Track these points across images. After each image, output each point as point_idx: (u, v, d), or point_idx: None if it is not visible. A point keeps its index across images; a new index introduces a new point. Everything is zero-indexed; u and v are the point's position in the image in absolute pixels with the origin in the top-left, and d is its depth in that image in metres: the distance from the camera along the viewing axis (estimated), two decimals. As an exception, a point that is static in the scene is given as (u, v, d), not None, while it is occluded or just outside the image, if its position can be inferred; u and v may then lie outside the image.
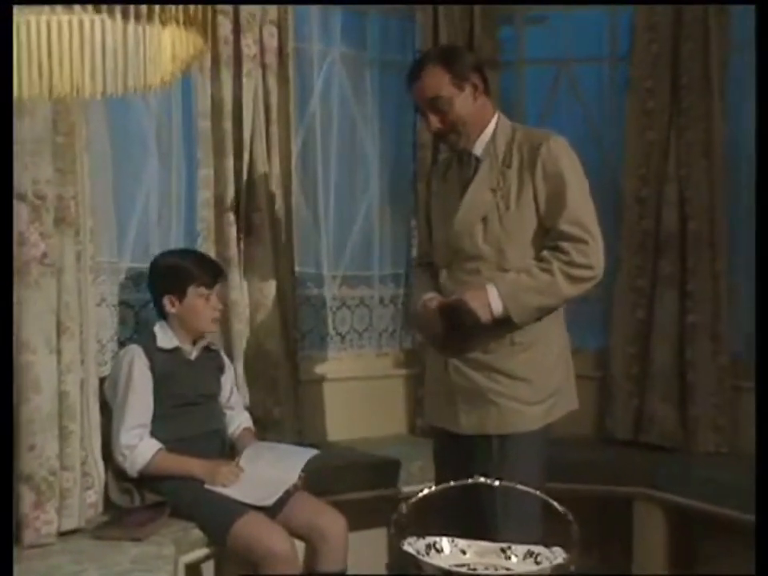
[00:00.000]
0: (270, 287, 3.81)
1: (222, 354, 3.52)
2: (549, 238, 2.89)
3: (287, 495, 3.16)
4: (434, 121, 2.94)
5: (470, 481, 1.98)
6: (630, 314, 4.22)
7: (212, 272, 3.33)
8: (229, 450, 3.39)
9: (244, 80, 3.72)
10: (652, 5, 4.14)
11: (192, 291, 3.25)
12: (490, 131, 2.97)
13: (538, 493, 1.96)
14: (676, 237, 4.11)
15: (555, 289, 2.84)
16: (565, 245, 2.83)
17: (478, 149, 2.97)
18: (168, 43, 1.93)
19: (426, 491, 1.91)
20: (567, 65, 4.52)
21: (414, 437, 4.29)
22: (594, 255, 2.85)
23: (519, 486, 2.01)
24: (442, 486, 1.96)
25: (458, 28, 4.21)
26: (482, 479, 1.99)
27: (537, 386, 2.91)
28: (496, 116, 3.00)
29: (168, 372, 3.21)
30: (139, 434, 3.13)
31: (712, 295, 4.06)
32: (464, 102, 2.92)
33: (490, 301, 2.83)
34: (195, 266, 3.28)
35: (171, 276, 3.28)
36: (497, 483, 2.00)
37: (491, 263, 2.91)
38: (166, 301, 3.26)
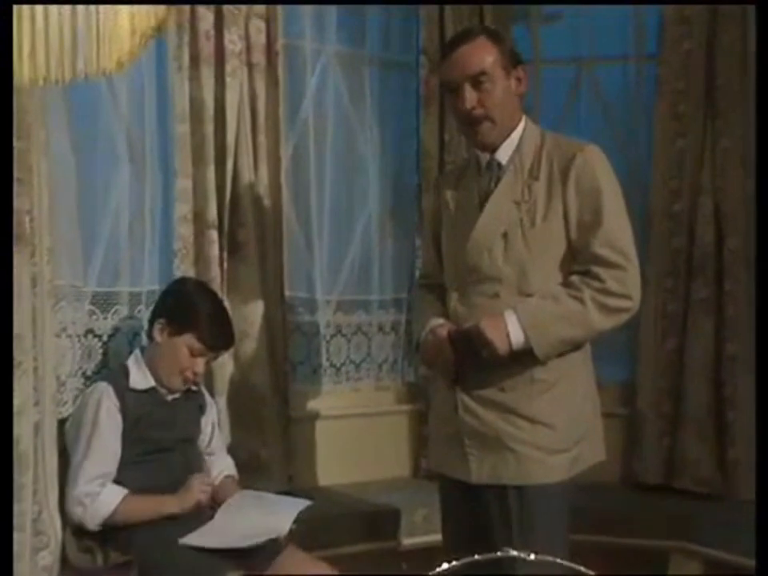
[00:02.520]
0: (257, 313, 3.70)
1: (204, 391, 3.31)
2: (579, 261, 2.71)
3: (275, 551, 2.96)
4: (472, 98, 2.71)
5: (498, 554, 1.89)
6: (659, 343, 4.11)
7: (219, 339, 3.14)
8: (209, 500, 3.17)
9: (228, 79, 3.62)
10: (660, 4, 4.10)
11: (187, 337, 3.05)
12: (517, 136, 2.80)
13: (582, 569, 1.84)
14: (712, 256, 4.01)
15: (585, 319, 2.65)
16: (598, 270, 2.66)
17: (502, 155, 2.79)
18: (125, 16, 1.79)
19: (445, 566, 1.84)
20: (588, 64, 4.42)
21: (418, 480, 4.18)
22: (632, 283, 2.68)
23: (560, 562, 1.89)
24: (465, 560, 1.85)
25: (466, 25, 4.04)
26: (513, 552, 1.89)
27: (560, 432, 2.72)
28: (523, 120, 2.83)
29: (141, 414, 3.03)
30: (101, 483, 2.94)
31: (752, 322, 3.82)
32: (506, 90, 2.74)
33: (509, 330, 2.65)
34: (208, 321, 3.09)
35: (182, 309, 3.10)
36: (532, 557, 1.88)
37: (511, 286, 2.72)
38: (158, 326, 3.08)
